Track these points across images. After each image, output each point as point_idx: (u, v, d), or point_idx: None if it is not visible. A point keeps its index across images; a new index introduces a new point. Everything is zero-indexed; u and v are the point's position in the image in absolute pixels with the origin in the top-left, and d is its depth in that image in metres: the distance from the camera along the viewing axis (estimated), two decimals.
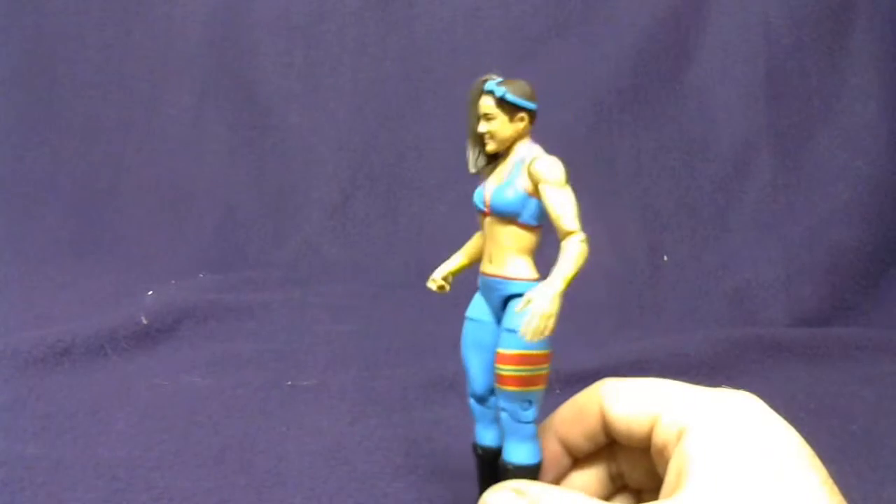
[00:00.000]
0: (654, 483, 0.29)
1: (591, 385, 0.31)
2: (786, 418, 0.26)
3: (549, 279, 0.28)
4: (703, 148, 0.86)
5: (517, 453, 0.30)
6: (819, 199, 0.82)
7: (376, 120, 0.94)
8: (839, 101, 0.84)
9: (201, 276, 0.81)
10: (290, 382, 0.55)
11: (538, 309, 0.27)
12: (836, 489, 0.24)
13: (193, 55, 0.99)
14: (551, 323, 0.28)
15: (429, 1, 0.93)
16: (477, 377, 0.32)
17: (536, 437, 0.31)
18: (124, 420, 0.47)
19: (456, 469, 0.39)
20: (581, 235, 0.28)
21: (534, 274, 0.31)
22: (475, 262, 0.34)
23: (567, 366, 0.54)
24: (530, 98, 0.31)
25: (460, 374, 0.57)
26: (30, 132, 1.02)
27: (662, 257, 0.84)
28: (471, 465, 0.34)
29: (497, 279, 0.31)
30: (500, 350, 0.30)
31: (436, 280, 0.35)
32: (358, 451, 0.45)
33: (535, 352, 0.29)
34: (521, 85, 0.31)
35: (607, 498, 0.32)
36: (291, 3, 0.97)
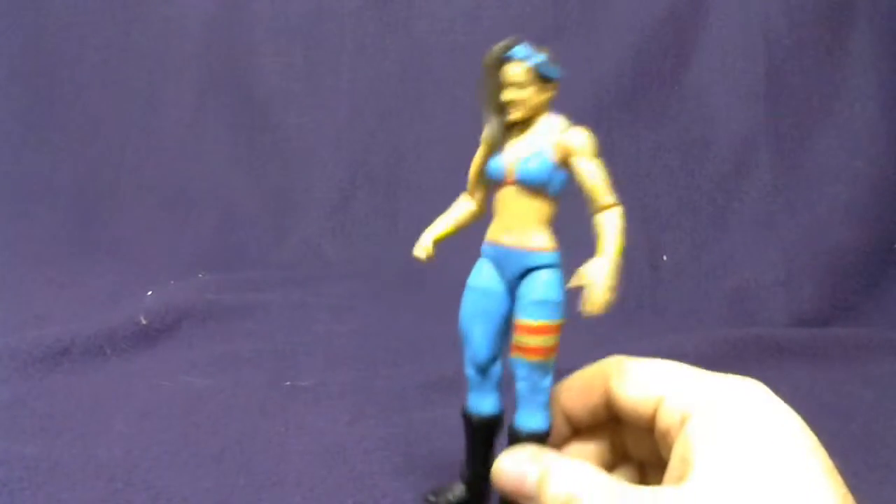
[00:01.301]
0: (657, 458, 0.29)
1: (598, 361, 0.31)
2: None
3: (602, 252, 0.28)
4: (702, 148, 0.86)
5: (532, 420, 0.31)
6: (819, 199, 0.82)
7: (376, 120, 0.94)
8: (839, 101, 0.84)
9: (200, 276, 0.81)
10: (289, 382, 0.55)
11: (602, 282, 0.28)
12: (839, 478, 0.24)
13: (193, 55, 0.99)
14: (613, 295, 0.28)
15: (428, 1, 0.93)
16: (481, 346, 0.32)
17: (546, 405, 0.31)
18: (123, 420, 0.47)
19: (456, 469, 0.39)
20: (621, 208, 0.29)
21: (554, 245, 0.31)
22: (461, 230, 0.34)
23: (566, 365, 0.54)
24: (558, 67, 0.31)
25: (460, 374, 0.57)
26: (30, 132, 1.02)
27: (662, 257, 0.84)
28: None
29: (518, 250, 0.31)
30: (526, 321, 0.30)
31: (427, 247, 0.35)
32: (357, 451, 0.45)
33: (558, 322, 0.30)
34: (550, 54, 0.31)
35: (609, 467, 0.32)
36: (291, 2, 0.97)
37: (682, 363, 0.30)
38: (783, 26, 0.85)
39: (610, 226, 0.29)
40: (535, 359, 0.30)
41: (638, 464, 0.32)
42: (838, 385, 0.60)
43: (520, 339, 0.30)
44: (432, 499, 0.35)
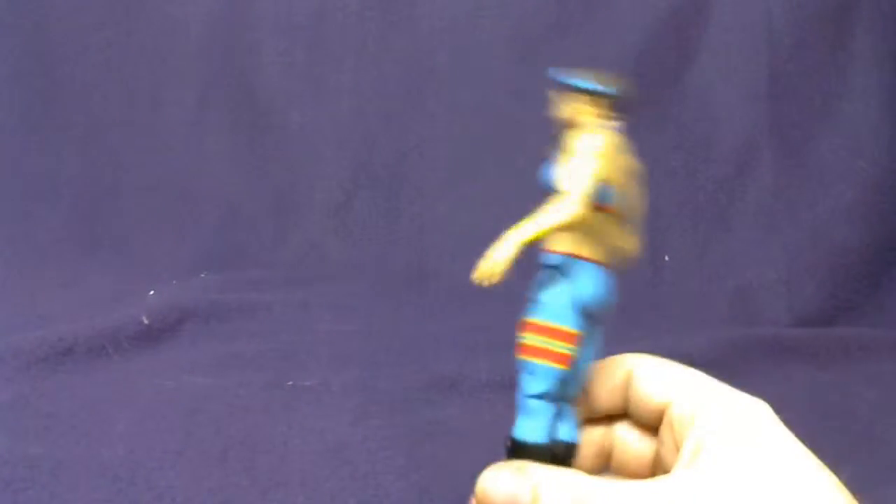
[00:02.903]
0: (644, 465, 0.30)
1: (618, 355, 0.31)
2: (787, 418, 0.27)
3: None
4: (704, 148, 0.86)
5: (518, 428, 0.29)
6: (821, 199, 0.82)
7: (378, 119, 0.94)
8: (841, 101, 0.84)
9: (203, 275, 0.81)
10: (291, 382, 0.55)
11: (491, 251, 0.27)
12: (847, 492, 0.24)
13: (194, 55, 0.99)
14: (497, 269, 0.27)
15: (430, 1, 0.93)
16: None
17: (543, 417, 0.29)
18: (126, 420, 0.47)
19: (458, 469, 0.39)
20: (573, 197, 0.27)
21: (570, 250, 0.29)
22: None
23: None
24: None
25: (462, 374, 0.57)
26: (31, 132, 1.02)
27: (664, 257, 0.84)
28: (471, 464, 0.34)
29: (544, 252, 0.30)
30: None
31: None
32: (360, 451, 0.45)
33: (542, 322, 0.28)
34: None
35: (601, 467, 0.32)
36: (293, 2, 0.97)
37: (693, 370, 0.30)
38: (785, 26, 0.85)
39: (540, 212, 0.27)
40: (518, 356, 0.29)
41: (617, 468, 0.32)
42: (840, 385, 0.60)
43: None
44: None
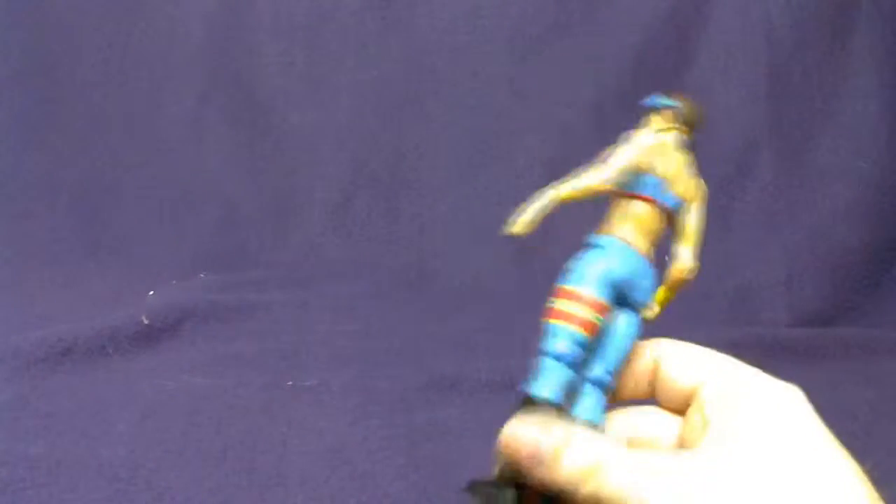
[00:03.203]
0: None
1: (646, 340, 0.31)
2: None
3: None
4: (704, 148, 0.86)
5: (531, 383, 0.29)
6: (821, 199, 0.82)
7: (377, 120, 0.94)
8: (841, 101, 0.84)
9: (202, 275, 0.81)
10: (291, 382, 0.55)
11: (526, 203, 0.29)
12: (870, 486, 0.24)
13: (194, 55, 0.99)
14: (528, 220, 0.29)
15: (430, 1, 0.93)
16: None
17: (556, 377, 0.29)
18: (126, 420, 0.47)
19: (458, 469, 0.39)
20: (608, 166, 0.30)
21: (616, 233, 0.31)
22: None
23: None
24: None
25: (461, 374, 0.57)
26: (30, 132, 1.02)
27: (664, 257, 0.84)
28: (471, 464, 0.34)
29: None
30: None
31: None
32: (359, 451, 0.45)
33: (570, 287, 0.29)
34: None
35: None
36: (293, 2, 0.97)
37: (724, 355, 0.30)
38: (785, 26, 0.85)
39: (576, 174, 0.30)
40: (544, 319, 0.30)
41: None
42: (840, 385, 0.60)
43: None
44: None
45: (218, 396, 0.51)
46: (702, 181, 0.32)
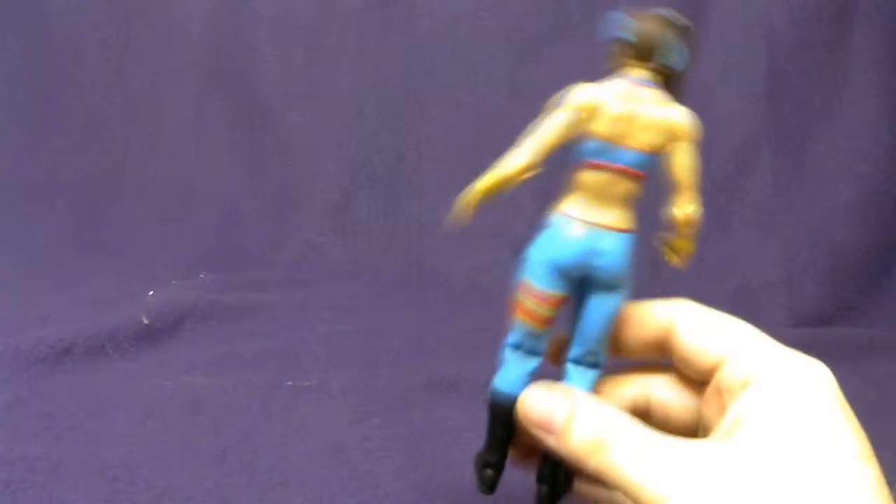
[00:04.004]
0: (684, 419, 0.28)
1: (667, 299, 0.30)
2: None
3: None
4: (704, 148, 0.86)
5: (496, 377, 0.30)
6: (820, 199, 0.82)
7: (377, 120, 0.94)
8: (840, 101, 0.84)
9: (202, 276, 0.81)
10: (290, 382, 0.55)
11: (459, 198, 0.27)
12: (887, 488, 0.23)
13: (194, 55, 0.99)
14: (461, 215, 0.27)
15: (430, 1, 0.93)
16: None
17: (514, 368, 0.29)
18: (125, 420, 0.47)
19: (458, 469, 0.39)
20: (523, 149, 0.27)
21: (562, 208, 0.28)
22: None
23: None
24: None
25: (461, 374, 0.57)
26: (30, 132, 1.02)
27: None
28: (470, 464, 0.34)
29: None
30: None
31: None
32: (359, 452, 0.45)
33: (522, 278, 0.29)
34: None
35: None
36: (292, 2, 0.97)
37: (748, 324, 0.28)
38: (784, 26, 0.85)
39: (497, 163, 0.27)
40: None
41: (656, 425, 0.29)
42: (840, 385, 0.60)
43: None
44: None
45: (218, 396, 0.51)
46: (684, 116, 0.29)
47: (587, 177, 0.27)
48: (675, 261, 0.30)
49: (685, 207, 0.29)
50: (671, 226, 0.29)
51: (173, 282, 0.77)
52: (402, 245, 0.89)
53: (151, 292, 0.71)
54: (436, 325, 0.68)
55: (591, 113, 0.27)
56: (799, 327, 0.75)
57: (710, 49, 0.86)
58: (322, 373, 0.57)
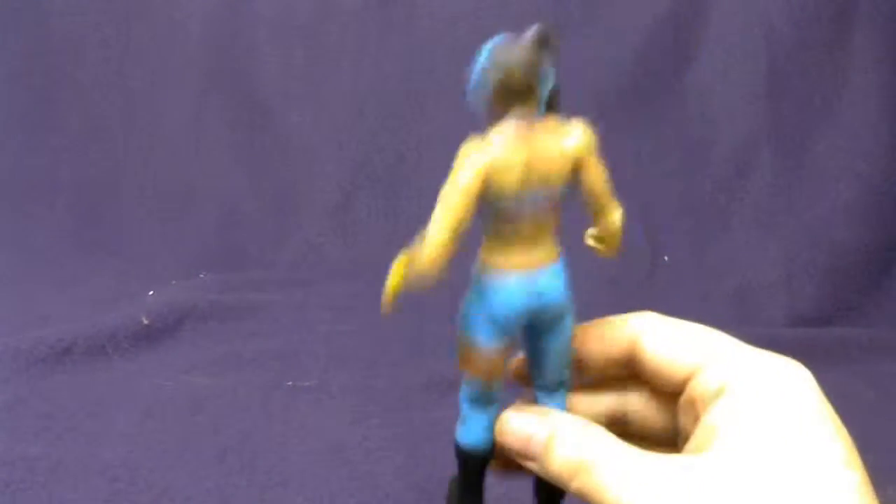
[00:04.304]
0: (660, 429, 0.28)
1: (629, 313, 0.29)
2: None
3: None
4: (703, 148, 0.86)
5: (457, 431, 0.29)
6: (820, 199, 0.82)
7: (377, 120, 0.94)
8: (840, 101, 0.84)
9: (202, 276, 0.81)
10: (291, 382, 0.55)
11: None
12: (871, 490, 0.23)
13: (194, 55, 0.99)
14: (386, 307, 0.26)
15: (430, 1, 0.93)
16: None
17: (474, 421, 0.29)
18: (125, 420, 0.47)
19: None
20: (426, 249, 0.26)
21: (484, 257, 0.27)
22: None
23: None
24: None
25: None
26: (30, 132, 1.02)
27: (663, 257, 0.84)
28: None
29: None
30: None
31: None
32: (359, 452, 0.45)
33: (461, 334, 0.28)
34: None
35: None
36: (292, 2, 0.97)
37: (718, 332, 0.28)
38: (784, 26, 0.85)
39: (406, 257, 0.26)
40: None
41: (637, 439, 0.29)
42: (840, 385, 0.60)
43: None
44: None
45: (217, 396, 0.52)
46: (580, 134, 0.27)
47: (506, 227, 0.26)
48: (610, 254, 0.28)
49: (615, 214, 0.27)
50: (609, 234, 0.28)
51: (173, 282, 0.77)
52: (402, 245, 0.89)
53: (151, 292, 0.71)
54: (435, 325, 0.68)
55: (492, 172, 0.25)
56: (799, 327, 0.75)
57: (710, 49, 0.86)
58: (322, 373, 0.57)
